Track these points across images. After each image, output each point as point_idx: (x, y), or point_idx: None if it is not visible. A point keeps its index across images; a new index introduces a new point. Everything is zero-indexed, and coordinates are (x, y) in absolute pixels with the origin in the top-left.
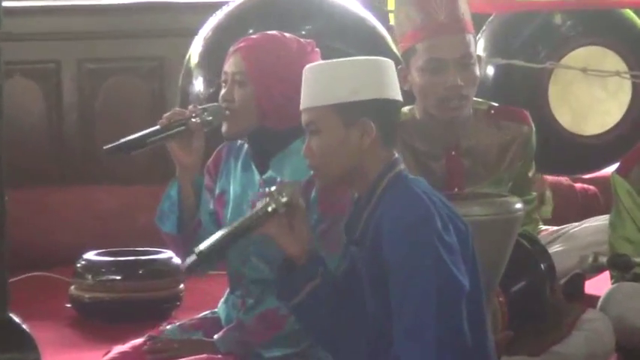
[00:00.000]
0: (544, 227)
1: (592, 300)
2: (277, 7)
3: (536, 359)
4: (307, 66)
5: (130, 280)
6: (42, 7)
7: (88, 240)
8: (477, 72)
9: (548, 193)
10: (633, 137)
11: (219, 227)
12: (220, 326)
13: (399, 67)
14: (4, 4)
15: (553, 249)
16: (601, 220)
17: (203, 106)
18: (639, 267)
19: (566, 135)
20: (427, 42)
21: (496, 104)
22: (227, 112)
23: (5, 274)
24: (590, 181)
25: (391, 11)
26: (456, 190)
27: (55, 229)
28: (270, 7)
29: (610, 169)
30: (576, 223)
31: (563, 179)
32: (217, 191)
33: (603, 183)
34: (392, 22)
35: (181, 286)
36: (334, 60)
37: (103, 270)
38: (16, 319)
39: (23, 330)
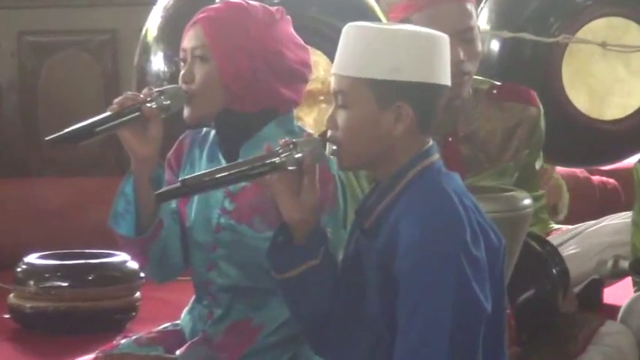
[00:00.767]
0: (556, 226)
1: (612, 310)
2: None
3: None
4: (350, 24)
5: (78, 287)
6: None
7: (29, 241)
8: (480, 46)
9: (565, 196)
10: None
11: (183, 228)
12: (184, 340)
13: None
14: None
15: (567, 251)
16: (622, 218)
17: (160, 89)
18: None
19: (582, 120)
20: (424, 12)
21: (499, 83)
22: (187, 94)
23: None
24: (609, 174)
25: None
26: None
27: None
28: None
29: (632, 160)
30: (594, 222)
31: (579, 171)
32: None
33: (625, 175)
34: None
35: (137, 294)
36: (382, 25)
37: (47, 275)
38: None
39: None
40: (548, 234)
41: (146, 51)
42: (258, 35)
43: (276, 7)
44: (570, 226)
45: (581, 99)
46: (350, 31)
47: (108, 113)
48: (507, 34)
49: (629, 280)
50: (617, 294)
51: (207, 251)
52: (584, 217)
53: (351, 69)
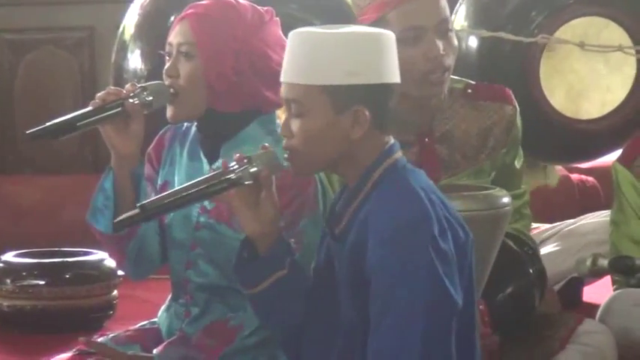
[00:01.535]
0: (535, 225)
1: (590, 309)
2: None
3: None
4: (296, 31)
5: (55, 286)
6: None
7: (5, 239)
8: (456, 41)
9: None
10: (639, 120)
11: (162, 225)
12: (161, 339)
13: None
14: None
15: (546, 249)
16: (601, 217)
17: (142, 85)
18: None
19: (560, 118)
20: (400, 9)
21: (474, 82)
22: (171, 89)
23: None
24: (588, 172)
25: None
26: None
27: None
28: None
29: (611, 158)
30: (573, 220)
31: (558, 169)
32: (159, 182)
33: (604, 174)
34: None
35: (115, 292)
36: (330, 29)
37: (24, 274)
38: None
39: None
40: (530, 232)
41: (123, 48)
42: (245, 36)
43: (266, 8)
44: (549, 225)
45: (559, 97)
46: (297, 38)
47: (90, 108)
48: (485, 33)
49: (608, 279)
50: (597, 293)
51: (185, 249)
52: (563, 215)
53: (303, 77)
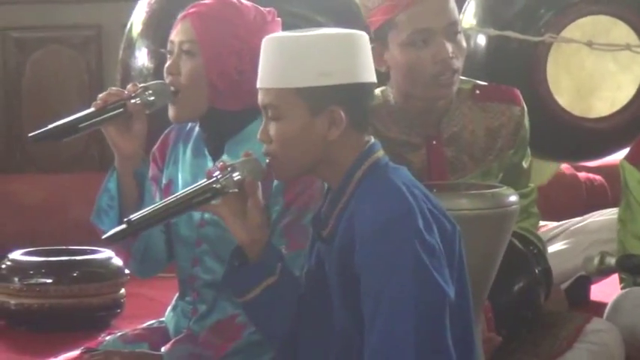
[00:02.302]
0: (542, 223)
1: (598, 307)
2: None
3: None
4: (268, 37)
5: (62, 284)
6: None
7: (12, 237)
8: (465, 42)
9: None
10: None
11: (167, 223)
12: (169, 337)
13: (372, 46)
14: None
15: (553, 248)
16: (608, 215)
17: (144, 85)
18: None
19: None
20: (409, 11)
21: (482, 83)
22: (172, 87)
23: None
24: (596, 170)
25: None
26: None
27: None
28: None
29: (619, 156)
30: (580, 218)
31: (565, 168)
32: (164, 181)
33: (611, 172)
34: None
35: (122, 290)
36: (301, 33)
37: (32, 272)
38: None
39: None
40: (537, 230)
41: (130, 46)
42: (247, 35)
43: (268, 9)
44: (556, 223)
45: (567, 95)
46: (270, 44)
47: (92, 109)
48: (493, 32)
49: (615, 277)
50: (604, 291)
51: (191, 247)
52: (570, 213)
53: (277, 81)
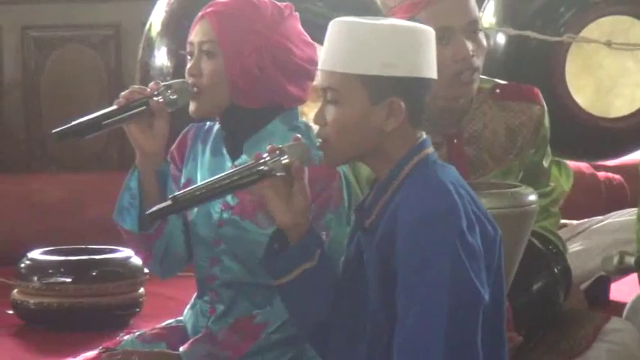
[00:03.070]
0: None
1: (617, 307)
2: None
3: None
4: (336, 20)
5: (81, 283)
6: None
7: (31, 236)
8: (485, 41)
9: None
10: None
11: (186, 221)
12: (187, 336)
13: None
14: None
15: (572, 248)
16: (628, 215)
17: (166, 83)
18: None
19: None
20: (430, 9)
21: (502, 82)
22: (194, 88)
23: None
24: (615, 170)
25: None
26: None
27: None
28: None
29: (638, 155)
30: (599, 218)
31: (585, 167)
32: (182, 180)
33: (630, 172)
34: None
35: (141, 290)
36: (370, 20)
37: (51, 271)
38: None
39: None
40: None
41: (150, 45)
42: (266, 31)
43: (285, 4)
44: (576, 222)
45: (586, 95)
46: (337, 27)
47: (114, 107)
48: (512, 32)
49: (635, 276)
50: (624, 291)
51: (209, 246)
52: (589, 213)
53: (342, 65)
